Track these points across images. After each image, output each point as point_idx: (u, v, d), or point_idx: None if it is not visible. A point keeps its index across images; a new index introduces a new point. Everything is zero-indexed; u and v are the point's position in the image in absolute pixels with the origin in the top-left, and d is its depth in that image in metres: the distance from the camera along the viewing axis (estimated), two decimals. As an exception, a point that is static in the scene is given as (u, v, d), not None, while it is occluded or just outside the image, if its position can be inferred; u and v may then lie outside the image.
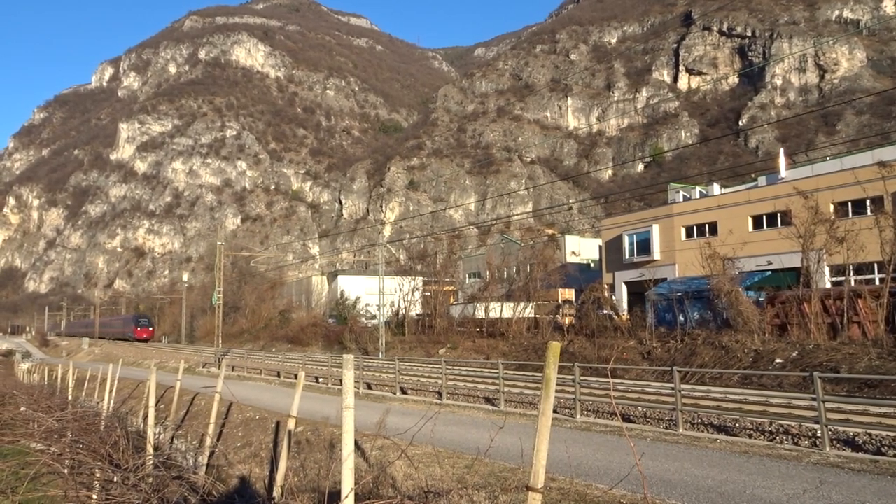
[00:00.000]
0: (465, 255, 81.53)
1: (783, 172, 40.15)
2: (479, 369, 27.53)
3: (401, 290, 51.71)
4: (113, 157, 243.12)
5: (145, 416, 14.46)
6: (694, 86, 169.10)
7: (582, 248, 63.94)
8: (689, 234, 40.32)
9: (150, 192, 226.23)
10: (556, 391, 4.47)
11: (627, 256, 43.74)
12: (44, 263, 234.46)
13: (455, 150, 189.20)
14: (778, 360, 21.77)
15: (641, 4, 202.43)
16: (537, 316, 39.98)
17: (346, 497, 4.77)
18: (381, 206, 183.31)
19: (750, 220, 36.46)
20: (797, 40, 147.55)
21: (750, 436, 12.15)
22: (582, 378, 15.77)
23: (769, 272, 32.98)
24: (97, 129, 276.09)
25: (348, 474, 4.97)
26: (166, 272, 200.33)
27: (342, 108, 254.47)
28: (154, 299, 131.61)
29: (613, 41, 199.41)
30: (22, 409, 15.41)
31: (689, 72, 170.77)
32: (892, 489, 8.02)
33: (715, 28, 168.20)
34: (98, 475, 8.94)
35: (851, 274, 27.65)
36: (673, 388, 13.30)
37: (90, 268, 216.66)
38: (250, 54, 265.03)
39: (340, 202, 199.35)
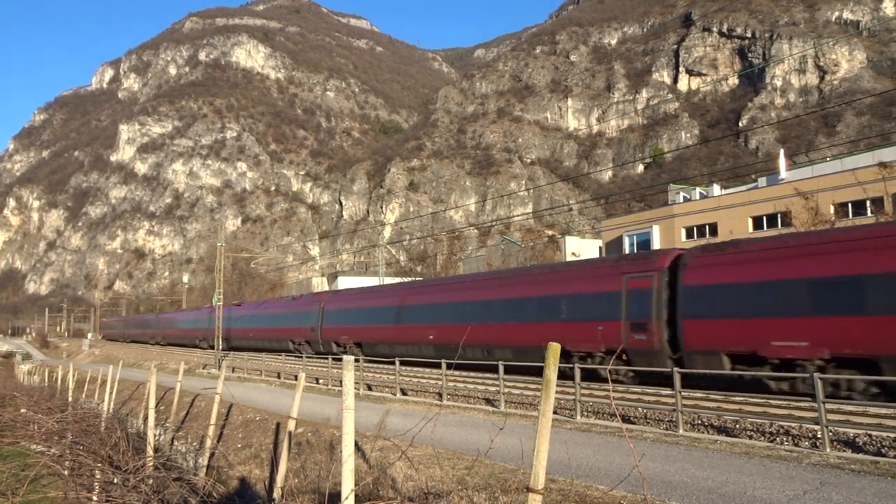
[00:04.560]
0: (465, 257, 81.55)
1: (783, 173, 40.18)
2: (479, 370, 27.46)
3: (401, 291, 51.59)
4: (113, 158, 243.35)
5: (145, 418, 14.47)
6: (694, 87, 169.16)
7: (582, 250, 63.92)
8: (690, 234, 40.35)
9: (150, 193, 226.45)
10: (556, 392, 4.48)
11: (628, 257, 43.68)
12: (44, 265, 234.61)
13: (455, 151, 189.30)
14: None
15: (641, 6, 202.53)
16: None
17: (347, 498, 4.77)
18: (382, 208, 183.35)
19: (750, 221, 36.49)
20: (797, 41, 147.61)
21: (750, 437, 12.15)
22: (582, 379, 15.77)
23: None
24: (97, 130, 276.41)
25: (349, 475, 4.98)
26: (166, 273, 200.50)
27: (342, 110, 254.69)
28: (154, 301, 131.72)
29: (613, 42, 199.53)
30: (22, 410, 15.42)
31: (689, 73, 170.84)
32: (893, 490, 8.02)
33: (715, 29, 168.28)
34: (98, 476, 8.95)
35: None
36: (673, 390, 13.30)
37: (90, 269, 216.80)
38: (250, 56, 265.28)
39: (341, 203, 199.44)
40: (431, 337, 27.06)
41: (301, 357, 36.14)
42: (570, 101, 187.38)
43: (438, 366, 23.26)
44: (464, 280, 31.61)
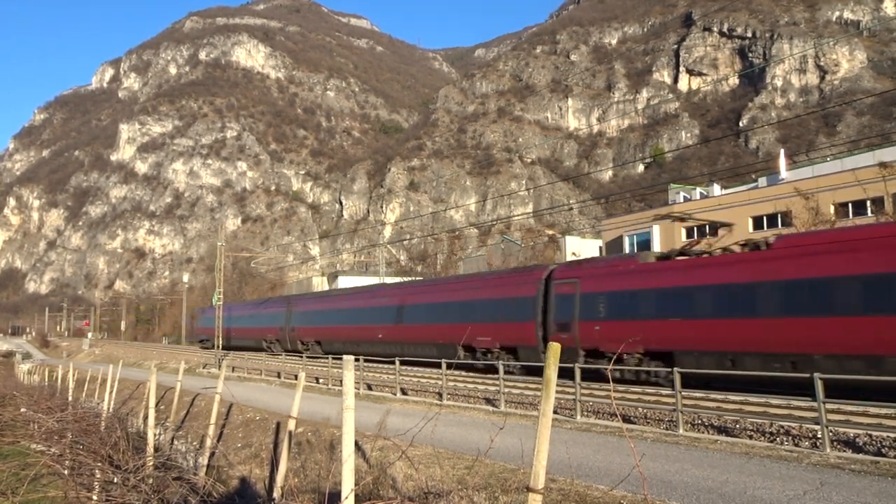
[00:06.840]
0: (465, 256, 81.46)
1: (784, 173, 40.15)
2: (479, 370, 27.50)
3: (401, 290, 51.60)
4: (113, 157, 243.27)
5: (146, 417, 14.47)
6: (694, 87, 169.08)
7: (582, 249, 63.82)
8: (690, 234, 40.28)
9: (150, 192, 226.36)
10: (557, 392, 4.47)
11: (628, 257, 43.63)
12: (44, 264, 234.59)
13: (455, 150, 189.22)
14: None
15: (642, 5, 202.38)
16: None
17: (347, 498, 4.77)
18: (382, 207, 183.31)
19: (750, 221, 36.46)
20: (797, 41, 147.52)
21: (750, 437, 12.15)
22: (582, 379, 15.78)
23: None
24: (98, 129, 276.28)
25: (349, 475, 4.98)
26: (167, 273, 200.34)
27: (342, 109, 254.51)
28: (155, 300, 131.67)
29: (614, 42, 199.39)
30: (22, 410, 15.42)
31: (690, 73, 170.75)
32: (893, 490, 8.01)
33: (715, 29, 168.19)
34: (98, 476, 8.95)
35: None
36: (673, 389, 13.30)
37: (91, 269, 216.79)
38: (251, 55, 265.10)
39: (341, 203, 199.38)
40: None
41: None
42: (570, 101, 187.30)
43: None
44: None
